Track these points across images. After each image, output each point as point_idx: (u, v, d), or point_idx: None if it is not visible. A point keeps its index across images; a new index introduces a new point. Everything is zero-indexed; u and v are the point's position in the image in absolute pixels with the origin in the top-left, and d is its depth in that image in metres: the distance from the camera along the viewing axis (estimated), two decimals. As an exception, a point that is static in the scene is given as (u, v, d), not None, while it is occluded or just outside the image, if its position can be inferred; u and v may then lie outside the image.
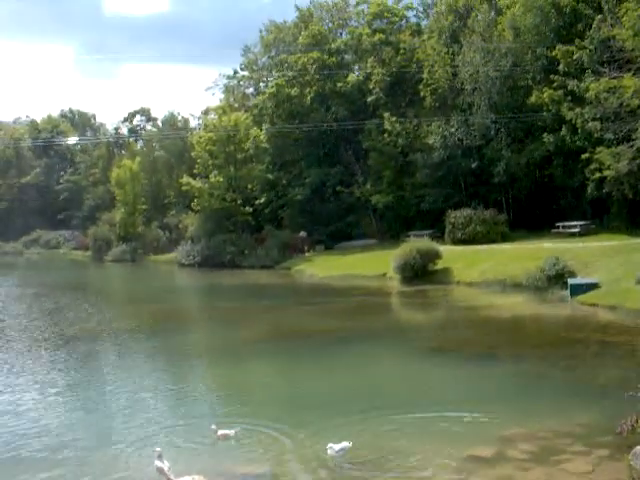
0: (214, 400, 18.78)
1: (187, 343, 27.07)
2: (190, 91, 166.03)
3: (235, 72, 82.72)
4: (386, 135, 58.51)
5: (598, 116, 40.53)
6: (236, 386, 19.74)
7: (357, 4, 71.91)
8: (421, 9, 71.13)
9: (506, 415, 14.74)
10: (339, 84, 64.71)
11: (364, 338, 25.55)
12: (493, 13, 54.41)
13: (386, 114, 58.56)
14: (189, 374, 22.07)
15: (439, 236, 48.44)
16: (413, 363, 21.27)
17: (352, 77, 65.28)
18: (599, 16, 42.54)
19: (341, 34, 73.59)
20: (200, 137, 69.13)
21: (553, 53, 46.06)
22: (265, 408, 16.90)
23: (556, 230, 44.75)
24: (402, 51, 62.81)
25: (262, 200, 66.97)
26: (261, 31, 77.41)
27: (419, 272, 40.22)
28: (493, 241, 45.87)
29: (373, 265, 46.32)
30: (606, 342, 22.25)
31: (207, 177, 66.63)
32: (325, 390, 18.32)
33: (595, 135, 41.26)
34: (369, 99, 62.56)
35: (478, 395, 17.06)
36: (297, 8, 74.54)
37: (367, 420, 14.94)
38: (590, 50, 42.64)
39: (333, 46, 67.85)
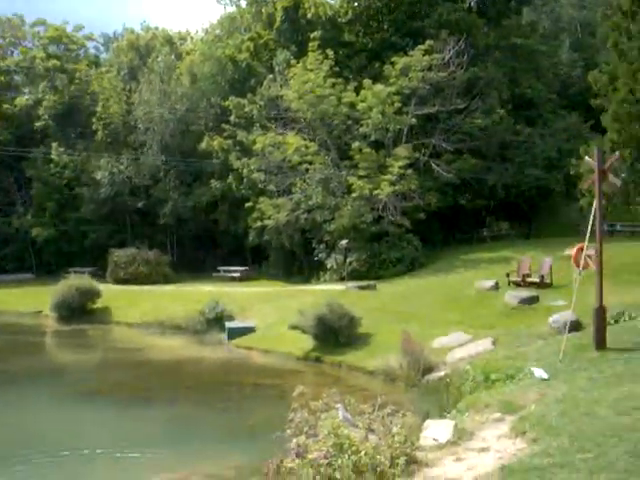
0: None
1: None
2: None
3: None
4: (52, 165, 56.17)
5: (263, 168, 42.77)
6: None
7: (33, 24, 68.73)
8: (102, 41, 70.29)
9: (158, 459, 14.49)
10: (5, 106, 60.93)
11: (14, 380, 24.00)
12: (173, 57, 55.34)
13: (54, 144, 56.32)
14: None
15: (101, 274, 47.31)
16: (64, 406, 20.22)
17: (21, 100, 61.84)
18: (270, 76, 45.23)
19: (13, 53, 69.62)
20: None
21: (226, 103, 47.89)
22: None
23: (218, 274, 45.98)
24: (77, 81, 61.01)
25: None
26: None
27: (77, 311, 38.86)
28: (156, 282, 45.81)
29: (29, 301, 43.76)
30: (259, 385, 23.05)
31: None
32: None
33: (259, 185, 43.39)
34: (37, 125, 59.62)
35: (130, 439, 16.61)
36: (-37, 19, 69.30)
37: (10, 467, 13.85)
38: (260, 105, 44.99)
39: (2, 64, 63.95)
